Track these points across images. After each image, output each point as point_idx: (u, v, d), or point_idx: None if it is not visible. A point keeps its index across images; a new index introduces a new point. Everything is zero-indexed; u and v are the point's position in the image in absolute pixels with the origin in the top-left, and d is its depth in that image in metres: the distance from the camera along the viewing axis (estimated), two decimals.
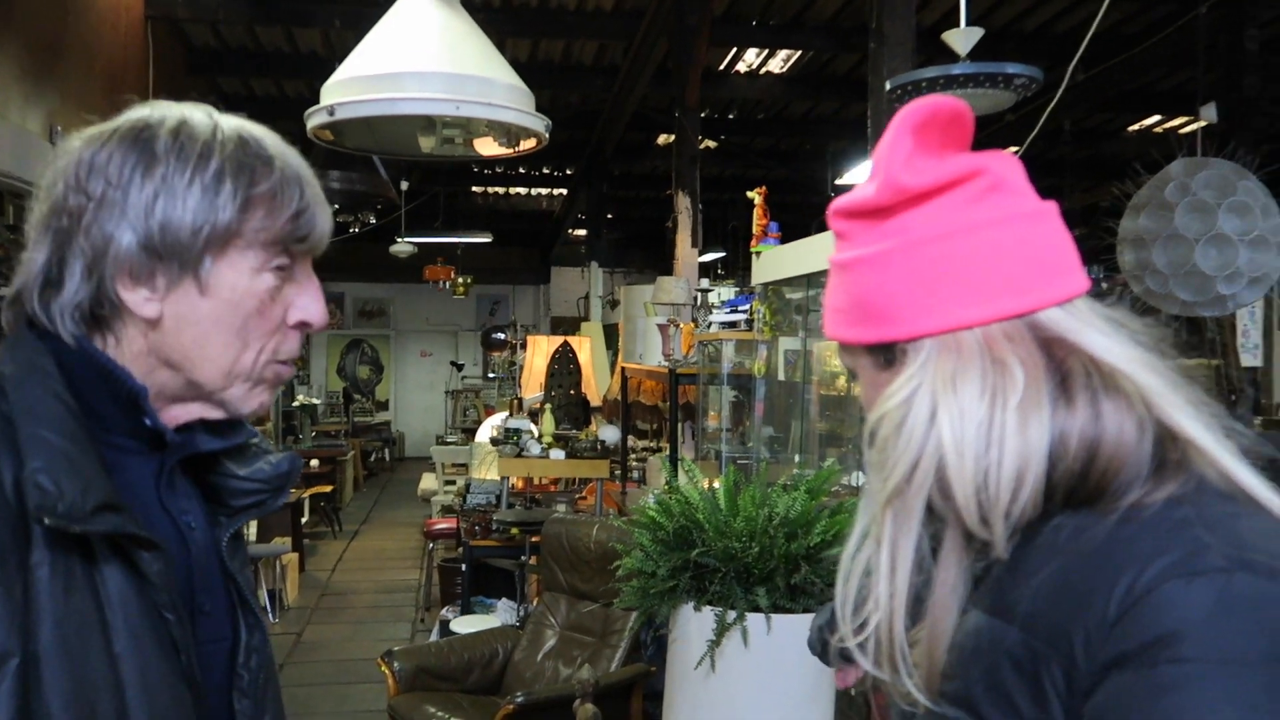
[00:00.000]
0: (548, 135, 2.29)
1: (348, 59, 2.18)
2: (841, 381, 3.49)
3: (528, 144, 2.43)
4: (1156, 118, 9.91)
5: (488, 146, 2.60)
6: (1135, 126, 10.20)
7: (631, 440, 6.52)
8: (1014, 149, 8.02)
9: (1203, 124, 5.56)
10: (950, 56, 3.32)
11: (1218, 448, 0.79)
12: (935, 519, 0.86)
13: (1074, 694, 0.75)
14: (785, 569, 2.61)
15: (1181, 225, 4.84)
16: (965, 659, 0.83)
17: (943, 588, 0.85)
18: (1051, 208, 0.87)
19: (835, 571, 2.64)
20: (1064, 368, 0.83)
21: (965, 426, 0.82)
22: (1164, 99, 9.11)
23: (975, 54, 3.35)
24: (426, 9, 2.19)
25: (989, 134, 9.45)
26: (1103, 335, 0.83)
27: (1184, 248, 4.85)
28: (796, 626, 2.62)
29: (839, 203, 0.92)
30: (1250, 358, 6.84)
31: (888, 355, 0.89)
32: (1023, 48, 7.83)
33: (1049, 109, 4.10)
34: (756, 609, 2.60)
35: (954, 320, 0.85)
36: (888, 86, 3.23)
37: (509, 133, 2.47)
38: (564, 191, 13.41)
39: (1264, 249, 4.84)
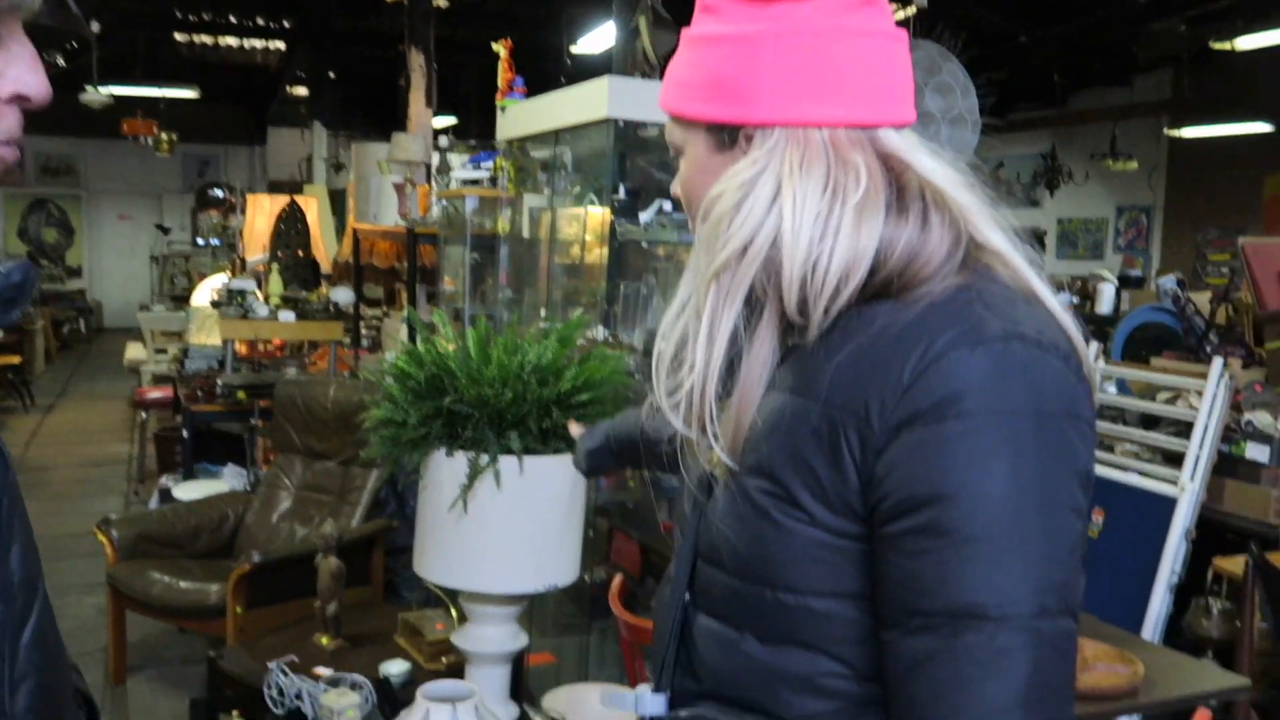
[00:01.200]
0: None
1: None
2: (589, 236, 3.53)
3: None
4: None
5: None
6: None
7: (363, 308, 6.32)
8: None
9: (913, 9, 5.90)
10: None
11: (1014, 254, 0.88)
12: (752, 299, 0.89)
13: (867, 454, 0.82)
14: (537, 413, 2.64)
15: None
16: (767, 432, 0.88)
17: (755, 361, 0.89)
18: (904, 35, 0.90)
19: (585, 416, 2.71)
20: (900, 180, 0.88)
21: (804, 215, 0.86)
22: None
23: None
24: None
25: None
26: (930, 158, 0.89)
27: None
28: (548, 467, 2.68)
29: None
30: None
31: (730, 136, 0.91)
32: None
33: None
34: (509, 452, 2.63)
35: (808, 115, 0.87)
36: None
37: None
38: (281, 45, 12.43)
39: (961, 127, 5.27)
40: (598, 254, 3.30)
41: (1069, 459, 0.80)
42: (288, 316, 5.22)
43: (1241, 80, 10.40)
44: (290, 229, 5.75)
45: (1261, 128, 9.70)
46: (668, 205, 3.15)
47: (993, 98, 5.66)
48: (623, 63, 3.79)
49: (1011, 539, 0.77)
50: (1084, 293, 6.36)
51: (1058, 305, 0.87)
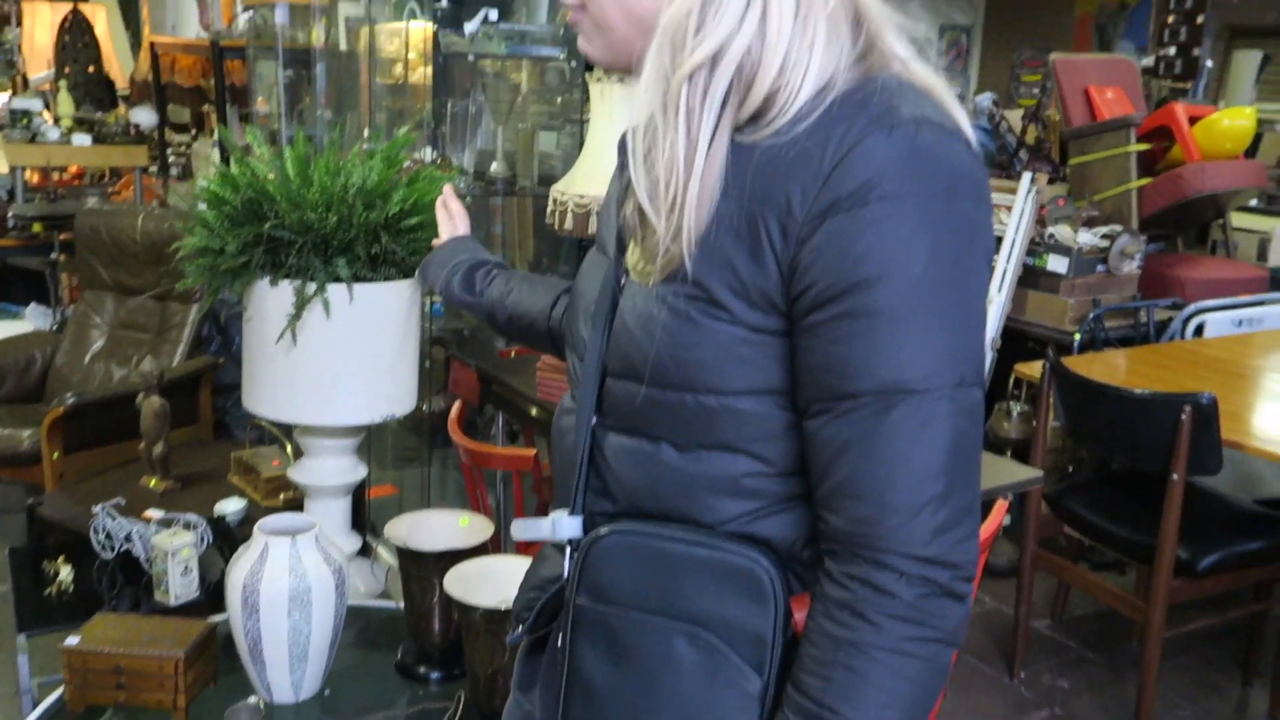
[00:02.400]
0: None
1: None
2: (398, 67, 3.34)
3: None
4: None
5: None
6: None
7: (168, 134, 5.85)
8: None
9: None
10: None
11: (914, 57, 0.89)
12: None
13: (789, 244, 0.83)
14: (365, 239, 2.55)
15: None
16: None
17: (713, 162, 0.86)
18: None
19: (416, 241, 2.61)
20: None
21: (783, 24, 0.84)
22: None
23: None
24: None
25: None
26: None
27: None
28: (380, 295, 2.61)
29: None
30: None
31: None
32: None
33: None
34: (337, 279, 2.54)
35: None
36: None
37: None
38: None
39: None
40: (421, 71, 3.14)
41: (979, 236, 0.84)
42: (83, 140, 4.79)
43: None
44: (76, 41, 5.20)
45: None
46: (494, 14, 3.00)
47: None
48: None
49: (934, 315, 0.80)
50: None
51: (951, 96, 0.88)
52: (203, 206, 2.53)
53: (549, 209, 3.01)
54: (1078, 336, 3.38)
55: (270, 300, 2.52)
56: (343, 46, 3.62)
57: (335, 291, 2.51)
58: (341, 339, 2.58)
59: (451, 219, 1.95)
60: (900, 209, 0.80)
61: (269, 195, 2.46)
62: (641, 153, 0.89)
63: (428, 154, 3.35)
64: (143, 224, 3.83)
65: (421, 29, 3.15)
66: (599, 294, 1.00)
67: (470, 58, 3.06)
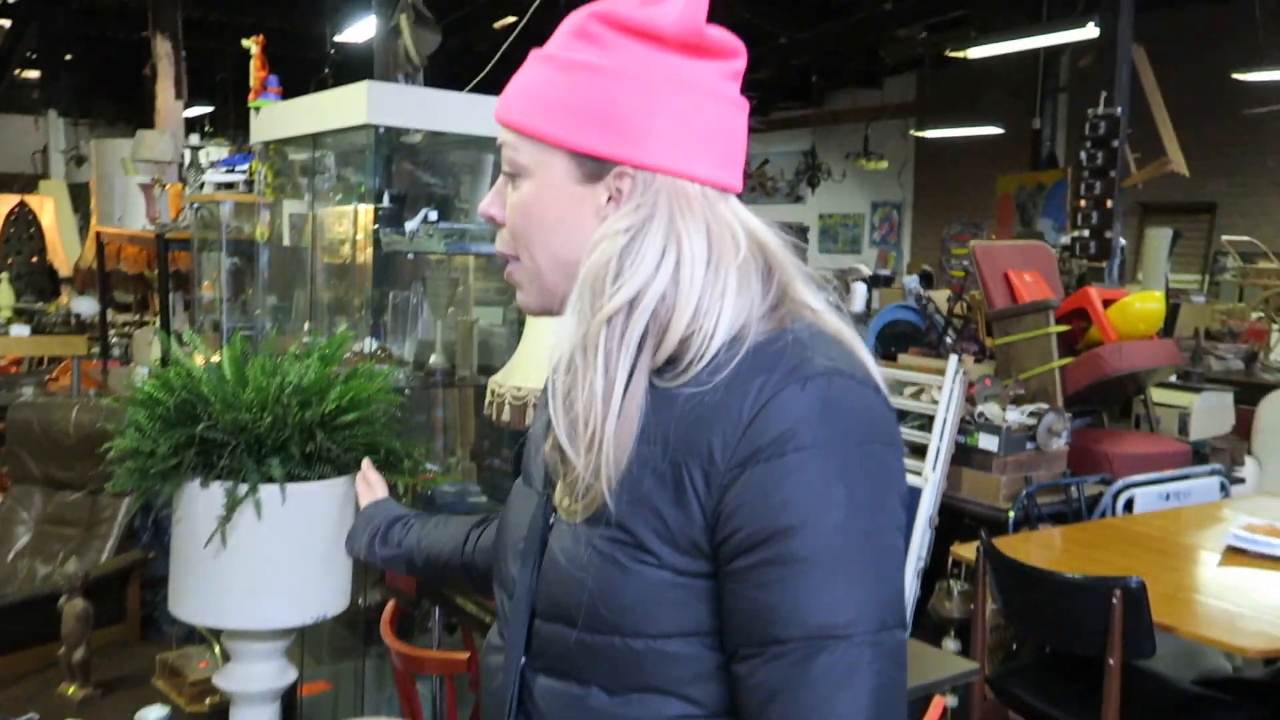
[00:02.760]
0: None
1: None
2: (346, 249, 3.42)
3: None
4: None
5: None
6: None
7: (112, 315, 5.87)
8: (513, 19, 8.16)
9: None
10: None
11: (823, 306, 0.95)
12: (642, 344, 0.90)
13: (713, 491, 0.86)
14: (300, 437, 2.54)
15: None
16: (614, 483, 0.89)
17: (631, 404, 0.89)
18: (748, 107, 0.96)
19: (352, 438, 2.61)
20: (766, 251, 0.94)
21: (695, 273, 0.89)
22: None
23: None
24: None
25: (485, 3, 9.52)
26: (759, 221, 0.95)
27: None
28: (313, 494, 2.58)
29: (610, 10, 0.93)
30: None
31: (597, 171, 0.92)
32: None
33: None
34: (270, 480, 2.52)
35: (690, 169, 0.91)
36: None
37: None
38: (7, 22, 11.35)
39: None
40: (364, 260, 3.21)
41: (892, 481, 0.88)
42: (21, 331, 4.78)
43: (976, 86, 11.30)
44: (21, 233, 5.26)
45: (993, 131, 10.56)
46: (434, 214, 3.09)
47: (755, 97, 5.91)
48: (384, 62, 3.68)
49: (854, 561, 0.83)
50: (846, 288, 6.75)
51: (860, 344, 0.94)
52: (135, 408, 2.52)
53: (487, 400, 3.03)
54: (1011, 514, 3.43)
55: (200, 502, 2.48)
56: (286, 241, 3.71)
57: (268, 492, 2.48)
58: (273, 540, 2.54)
59: (371, 488, 2.03)
60: (816, 459, 0.84)
61: (203, 396, 2.46)
62: (562, 392, 0.92)
63: (369, 344, 3.39)
64: (77, 416, 3.79)
65: (366, 217, 3.23)
66: (528, 531, 1.01)
67: (410, 255, 3.15)
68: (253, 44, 3.57)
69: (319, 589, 2.60)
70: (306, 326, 3.43)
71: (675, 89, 0.92)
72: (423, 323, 3.34)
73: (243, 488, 2.46)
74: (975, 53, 7.91)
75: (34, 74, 11.61)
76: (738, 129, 0.96)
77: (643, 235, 0.91)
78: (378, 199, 2.98)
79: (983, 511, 3.55)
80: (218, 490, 2.48)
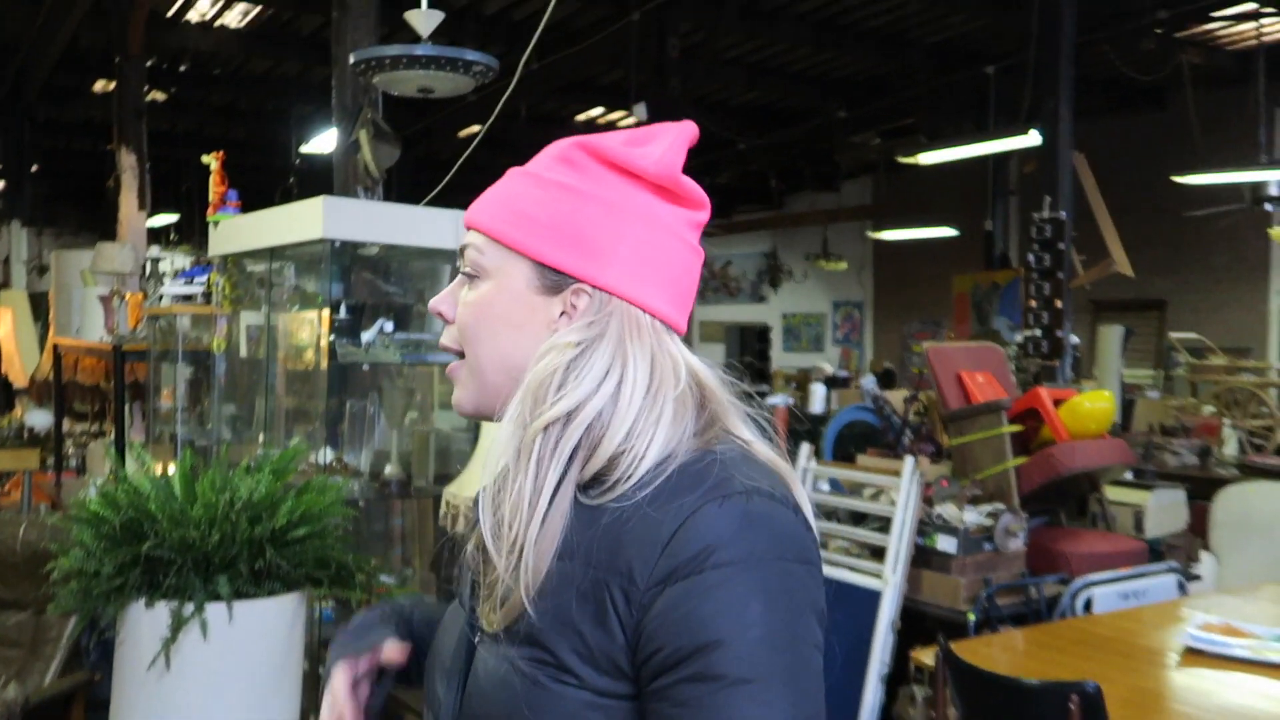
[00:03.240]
0: None
1: None
2: (309, 355, 3.43)
3: None
4: (600, 109, 10.90)
5: None
6: (582, 116, 11.12)
7: (70, 425, 5.79)
8: (477, 127, 8.33)
9: (636, 120, 6.23)
10: (413, 34, 3.37)
11: (745, 432, 0.97)
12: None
13: (633, 610, 0.86)
14: (249, 554, 2.52)
15: None
16: (535, 598, 0.89)
17: (555, 516, 0.90)
18: (703, 257, 1.02)
19: (303, 553, 2.55)
20: (704, 388, 0.96)
21: (635, 396, 0.92)
22: (606, 92, 10.05)
23: (437, 34, 3.43)
24: None
25: (449, 114, 9.75)
26: (697, 358, 0.99)
27: None
28: (261, 611, 2.55)
29: (595, 142, 0.98)
30: None
31: (557, 284, 0.96)
32: (482, 31, 8.17)
33: (507, 93, 4.29)
34: (217, 598, 2.48)
35: (647, 299, 0.95)
36: (351, 59, 3.21)
37: None
38: None
39: None
40: (320, 371, 3.21)
41: (809, 599, 0.88)
42: None
43: (930, 189, 11.62)
44: None
45: (948, 232, 10.82)
46: (389, 325, 3.11)
47: (716, 200, 6.04)
48: (344, 175, 3.75)
49: (773, 677, 0.83)
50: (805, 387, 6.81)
51: (786, 468, 0.96)
52: (79, 527, 2.49)
53: (442, 510, 3.00)
54: (972, 616, 3.41)
55: (145, 623, 2.44)
56: (243, 352, 3.71)
57: (214, 610, 2.44)
58: (220, 660, 2.49)
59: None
60: (735, 575, 0.85)
61: (150, 514, 2.43)
62: (491, 493, 0.93)
63: (325, 454, 3.37)
64: (24, 533, 3.70)
65: (322, 328, 3.24)
66: (454, 650, 1.01)
67: (365, 366, 3.15)
68: (212, 159, 3.63)
69: (268, 708, 2.54)
70: (262, 438, 3.41)
71: (644, 223, 0.96)
72: (379, 432, 3.33)
73: (189, 607, 2.42)
74: (925, 159, 8.16)
75: None
76: (693, 274, 1.01)
77: (591, 351, 0.93)
78: (334, 310, 3.01)
79: (944, 614, 3.53)
80: (162, 610, 2.44)
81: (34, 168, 10.65)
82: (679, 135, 1.00)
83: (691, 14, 7.58)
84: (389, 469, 3.15)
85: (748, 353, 12.68)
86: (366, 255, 3.19)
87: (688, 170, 1.02)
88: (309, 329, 3.23)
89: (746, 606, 0.84)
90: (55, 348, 5.28)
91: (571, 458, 0.92)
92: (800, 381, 9.05)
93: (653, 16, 7.27)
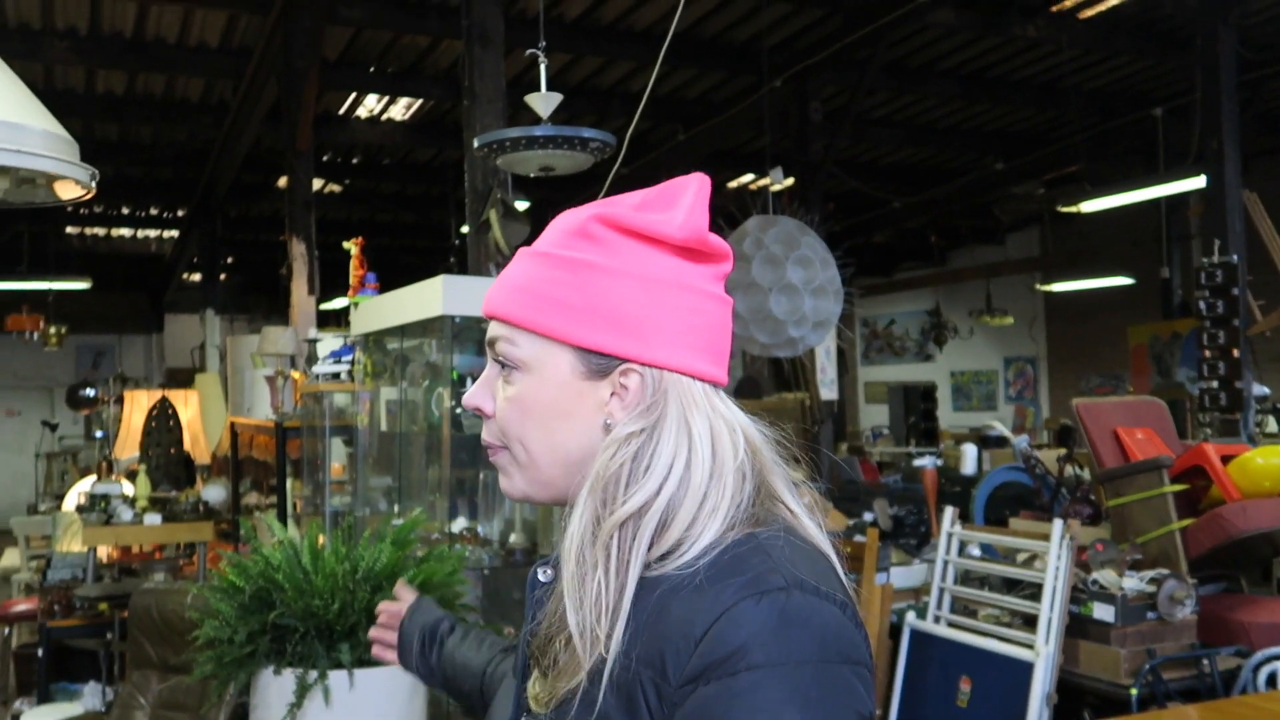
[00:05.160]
0: (94, 185, 2.16)
1: None
2: (431, 432, 3.53)
3: (81, 192, 2.26)
4: (751, 176, 10.96)
5: (69, 190, 2.40)
6: (734, 183, 11.21)
7: (256, 498, 6.16)
8: None
9: (773, 184, 6.23)
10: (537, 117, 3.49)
11: (798, 507, 0.94)
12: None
13: (664, 707, 0.83)
14: (369, 622, 2.57)
15: (757, 275, 5.35)
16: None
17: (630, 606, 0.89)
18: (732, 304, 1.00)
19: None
20: (752, 447, 0.94)
21: (702, 476, 0.90)
22: (754, 159, 10.11)
23: (573, 108, 3.54)
24: None
25: (600, 188, 10.00)
26: (746, 416, 0.96)
27: (760, 295, 5.35)
28: (380, 679, 2.60)
29: (612, 213, 0.95)
30: (828, 391, 7.70)
31: (603, 367, 0.93)
32: (629, 107, 8.38)
33: (616, 165, 4.32)
34: (340, 665, 2.55)
35: (695, 367, 0.93)
36: (475, 144, 3.35)
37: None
38: (175, 233, 12.53)
39: (824, 297, 5.48)
40: (445, 443, 3.31)
41: (853, 704, 0.83)
42: (154, 520, 5.07)
43: (1101, 237, 11.10)
44: (161, 426, 5.66)
45: (1123, 281, 10.27)
46: None
47: (852, 267, 5.92)
48: (476, 253, 3.89)
49: None
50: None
51: (834, 555, 0.92)
52: (215, 596, 2.62)
53: None
54: (1134, 691, 3.16)
55: (274, 689, 2.53)
56: (384, 426, 3.86)
57: (337, 678, 2.51)
58: None
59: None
60: (768, 679, 0.81)
61: (277, 584, 2.54)
62: (574, 589, 0.90)
63: (460, 523, 3.46)
64: (191, 602, 3.93)
65: (447, 395, 3.34)
66: None
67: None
68: (352, 245, 3.84)
69: None
70: (397, 508, 3.53)
71: (678, 290, 0.94)
72: (507, 503, 3.40)
73: (312, 674, 2.50)
74: (1089, 206, 7.81)
75: (196, 277, 12.69)
76: (727, 326, 0.98)
77: (655, 438, 0.91)
78: (459, 384, 3.10)
79: (1104, 688, 3.28)
80: (289, 677, 2.53)
81: (226, 260, 11.54)
82: (698, 191, 0.97)
83: (834, 77, 7.56)
84: (514, 538, 3.20)
85: (913, 413, 12.27)
86: (485, 329, 3.30)
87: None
88: (438, 402, 3.34)
89: (780, 712, 0.80)
90: (232, 425, 5.64)
91: (650, 548, 0.90)
92: (976, 442, 8.69)
93: (793, 83, 7.29)
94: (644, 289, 0.93)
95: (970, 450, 5.10)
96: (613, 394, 0.94)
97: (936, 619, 3.72)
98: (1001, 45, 7.59)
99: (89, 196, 2.34)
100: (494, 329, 0.99)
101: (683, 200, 0.96)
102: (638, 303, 0.93)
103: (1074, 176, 9.95)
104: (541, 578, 0.99)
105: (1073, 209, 8.02)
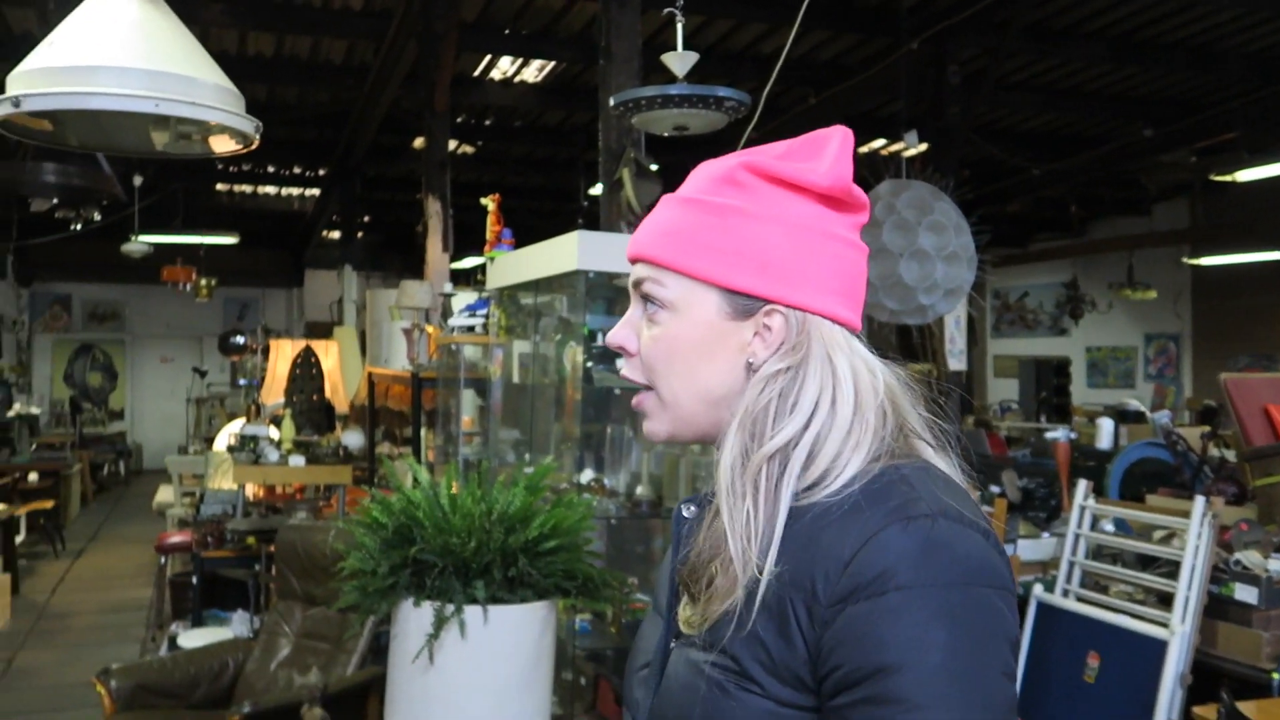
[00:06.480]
0: (258, 137, 2.28)
1: (35, 49, 2.09)
2: (563, 385, 3.62)
3: (238, 145, 2.39)
4: (882, 141, 10.74)
5: (222, 144, 2.54)
6: (864, 148, 11.00)
7: (388, 447, 6.42)
8: None
9: (905, 149, 6.10)
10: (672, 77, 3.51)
11: (932, 441, 0.98)
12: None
13: (815, 626, 0.88)
14: (503, 562, 2.69)
15: (888, 241, 5.26)
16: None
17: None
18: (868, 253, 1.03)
19: (553, 564, 2.68)
20: (889, 388, 0.98)
21: (845, 413, 0.94)
22: (887, 124, 9.89)
23: (704, 71, 3.56)
24: (125, 2, 2.14)
25: (730, 150, 9.91)
26: (879, 359, 1.00)
27: (890, 261, 5.26)
28: (513, 617, 2.71)
29: (760, 162, 0.99)
30: (956, 362, 7.54)
31: (748, 308, 0.98)
32: (760, 70, 8.32)
33: (750, 127, 4.32)
34: (474, 601, 2.67)
35: (836, 311, 0.97)
36: (611, 102, 3.39)
37: (233, 130, 2.42)
38: (316, 192, 13.01)
39: (956, 264, 5.36)
40: (577, 396, 3.39)
41: (1000, 626, 0.86)
42: (298, 461, 5.34)
43: (1258, 208, 10.50)
44: (305, 375, 5.93)
45: (1278, 256, 9.73)
46: None
47: (988, 233, 5.77)
48: (608, 211, 3.95)
49: (953, 705, 0.82)
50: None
51: (968, 489, 0.95)
52: (360, 530, 2.76)
53: None
54: (1276, 676, 3.04)
55: (413, 620, 2.66)
56: (515, 379, 3.97)
57: (472, 613, 2.63)
58: (476, 660, 2.67)
59: None
60: (915, 599, 0.84)
61: (418, 520, 2.67)
62: (728, 518, 0.94)
63: (587, 474, 3.55)
64: (333, 539, 4.14)
65: (581, 358, 3.42)
66: (653, 656, 1.06)
67: (618, 391, 3.30)
68: (489, 202, 3.94)
69: (519, 709, 2.69)
70: (528, 457, 3.64)
71: (821, 237, 0.98)
72: (636, 456, 3.46)
73: (449, 608, 2.62)
74: (1246, 175, 7.41)
75: (335, 235, 13.18)
76: (863, 274, 1.02)
77: (800, 375, 0.95)
78: (590, 338, 3.17)
79: (1243, 671, 3.17)
80: (427, 609, 2.66)
81: (363, 218, 11.94)
82: (843, 143, 1.00)
83: (973, 40, 7.33)
84: (640, 490, 3.26)
85: (1044, 388, 11.90)
86: (623, 285, 3.35)
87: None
88: (570, 356, 3.43)
89: (927, 632, 0.83)
90: (369, 376, 5.88)
91: (798, 478, 0.94)
92: (1113, 417, 8.39)
93: (930, 45, 7.10)
94: (788, 234, 0.97)
95: (1107, 424, 4.95)
96: (755, 334, 0.98)
97: (1065, 593, 3.65)
98: (1153, 5, 7.23)
99: (252, 149, 2.47)
100: (640, 270, 1.03)
101: (828, 150, 0.99)
102: (782, 247, 0.96)
103: (1229, 144, 9.44)
104: (685, 514, 1.04)
105: (1227, 178, 7.62)
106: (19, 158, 6.85)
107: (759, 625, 0.89)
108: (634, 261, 1.04)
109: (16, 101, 2.03)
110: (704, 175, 1.03)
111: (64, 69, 2.09)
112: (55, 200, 6.31)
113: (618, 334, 1.05)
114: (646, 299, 1.02)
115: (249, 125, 2.27)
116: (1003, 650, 0.86)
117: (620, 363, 1.09)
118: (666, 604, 1.05)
